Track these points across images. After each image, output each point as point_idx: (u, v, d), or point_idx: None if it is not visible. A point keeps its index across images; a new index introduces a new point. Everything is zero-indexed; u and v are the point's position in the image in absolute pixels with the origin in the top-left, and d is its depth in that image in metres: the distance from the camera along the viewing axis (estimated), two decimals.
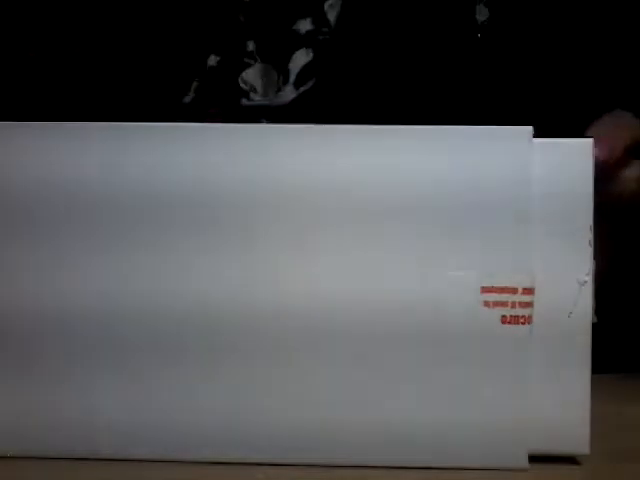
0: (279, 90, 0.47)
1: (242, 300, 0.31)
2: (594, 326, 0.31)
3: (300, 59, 0.47)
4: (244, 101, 0.46)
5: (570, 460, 0.32)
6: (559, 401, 0.31)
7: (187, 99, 0.48)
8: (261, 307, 0.31)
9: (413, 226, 0.31)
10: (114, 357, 0.32)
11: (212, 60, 0.47)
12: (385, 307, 0.31)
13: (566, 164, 0.31)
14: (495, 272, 0.31)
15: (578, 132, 0.33)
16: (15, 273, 0.32)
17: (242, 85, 0.47)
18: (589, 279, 0.31)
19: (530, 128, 0.31)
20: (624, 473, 0.31)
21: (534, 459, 0.31)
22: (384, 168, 0.31)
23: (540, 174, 0.31)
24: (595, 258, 0.31)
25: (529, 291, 0.31)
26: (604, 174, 0.34)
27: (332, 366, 0.31)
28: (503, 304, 0.31)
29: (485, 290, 0.31)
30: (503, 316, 0.31)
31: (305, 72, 0.47)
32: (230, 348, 0.32)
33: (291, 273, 0.31)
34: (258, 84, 0.47)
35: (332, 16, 0.46)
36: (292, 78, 0.46)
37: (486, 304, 0.31)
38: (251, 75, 0.47)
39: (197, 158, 0.32)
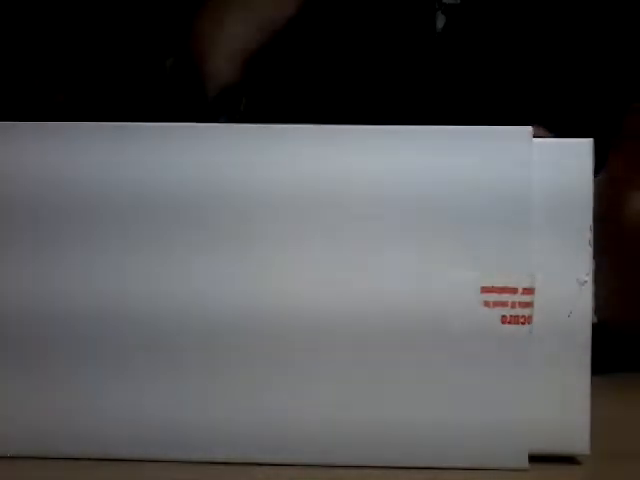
0: None
1: (241, 300, 0.31)
2: (594, 326, 0.31)
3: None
4: None
5: (570, 460, 0.32)
6: (559, 401, 0.31)
7: None
8: (260, 307, 0.31)
9: (412, 226, 0.31)
10: (115, 357, 0.32)
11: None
12: (385, 307, 0.31)
13: (566, 164, 0.31)
14: (495, 272, 0.31)
15: None
16: (14, 273, 0.32)
17: None
18: (589, 279, 0.31)
19: (530, 128, 0.31)
20: (624, 473, 0.31)
21: (534, 459, 0.31)
22: (383, 168, 0.31)
23: (540, 174, 0.31)
24: (595, 258, 0.31)
25: (529, 291, 0.31)
26: None
27: (331, 366, 0.31)
28: (503, 304, 0.31)
29: (485, 290, 0.31)
30: (503, 316, 0.31)
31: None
32: (230, 348, 0.32)
33: (289, 273, 0.31)
34: None
35: None
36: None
37: (486, 304, 0.31)
38: None
39: (196, 158, 0.32)
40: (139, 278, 0.32)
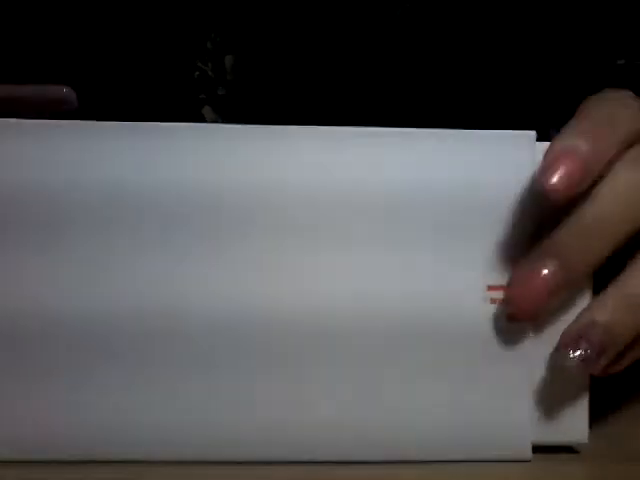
0: None
1: (243, 301, 0.32)
2: None
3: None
4: None
5: (568, 449, 0.33)
6: (559, 392, 0.33)
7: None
8: (259, 307, 0.32)
9: (417, 227, 0.32)
10: (114, 359, 0.32)
11: None
12: (392, 306, 0.32)
13: None
14: (500, 270, 0.32)
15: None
16: (15, 273, 0.32)
17: None
18: None
19: (533, 133, 0.33)
20: (623, 458, 0.33)
21: (533, 449, 0.33)
22: (385, 171, 0.32)
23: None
24: None
25: None
26: None
27: (335, 365, 0.32)
28: None
29: (491, 288, 0.32)
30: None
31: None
32: (228, 348, 0.32)
33: (290, 274, 0.32)
34: None
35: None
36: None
37: (492, 301, 0.32)
38: None
39: (197, 158, 0.32)
40: (137, 278, 0.32)
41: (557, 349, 0.32)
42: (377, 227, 0.32)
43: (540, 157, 0.31)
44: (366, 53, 0.47)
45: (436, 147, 0.32)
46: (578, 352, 0.31)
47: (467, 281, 0.32)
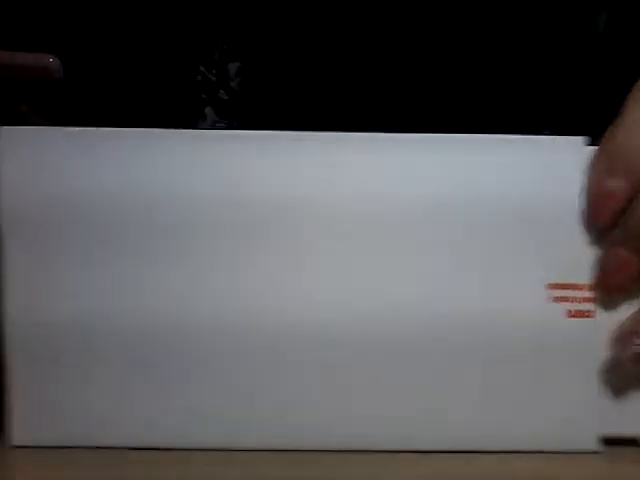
0: None
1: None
2: None
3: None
4: None
5: (634, 442, 0.33)
6: (625, 386, 0.33)
7: None
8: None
9: (481, 229, 0.32)
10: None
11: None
12: (459, 304, 0.33)
13: None
14: (560, 270, 0.32)
15: None
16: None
17: None
18: None
19: (584, 138, 0.33)
20: None
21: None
22: (449, 172, 0.32)
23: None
24: None
25: (591, 287, 0.32)
26: None
27: (409, 361, 0.33)
28: (568, 299, 0.32)
29: (551, 287, 0.32)
30: (569, 310, 0.32)
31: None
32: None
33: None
34: None
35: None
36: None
37: (553, 300, 0.32)
38: None
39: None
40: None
41: (612, 344, 0.32)
42: (441, 228, 0.32)
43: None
44: (368, 60, 0.47)
45: (485, 153, 0.33)
46: (631, 347, 0.32)
47: (530, 279, 0.32)
